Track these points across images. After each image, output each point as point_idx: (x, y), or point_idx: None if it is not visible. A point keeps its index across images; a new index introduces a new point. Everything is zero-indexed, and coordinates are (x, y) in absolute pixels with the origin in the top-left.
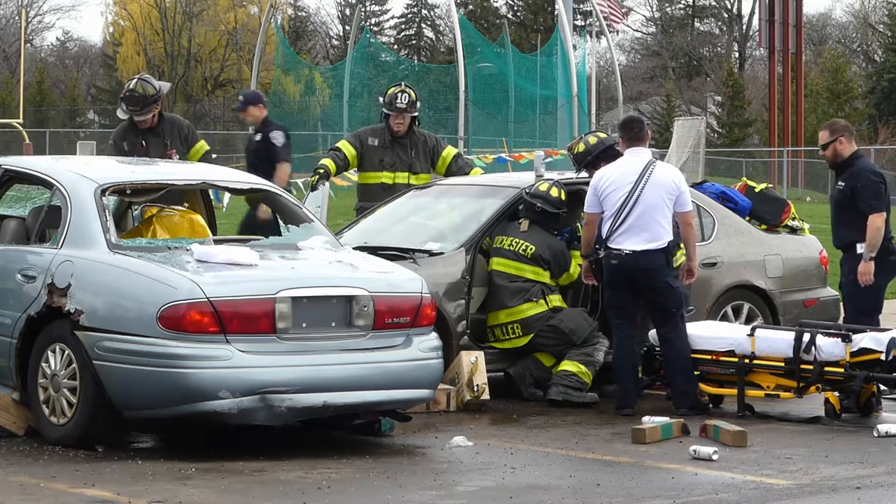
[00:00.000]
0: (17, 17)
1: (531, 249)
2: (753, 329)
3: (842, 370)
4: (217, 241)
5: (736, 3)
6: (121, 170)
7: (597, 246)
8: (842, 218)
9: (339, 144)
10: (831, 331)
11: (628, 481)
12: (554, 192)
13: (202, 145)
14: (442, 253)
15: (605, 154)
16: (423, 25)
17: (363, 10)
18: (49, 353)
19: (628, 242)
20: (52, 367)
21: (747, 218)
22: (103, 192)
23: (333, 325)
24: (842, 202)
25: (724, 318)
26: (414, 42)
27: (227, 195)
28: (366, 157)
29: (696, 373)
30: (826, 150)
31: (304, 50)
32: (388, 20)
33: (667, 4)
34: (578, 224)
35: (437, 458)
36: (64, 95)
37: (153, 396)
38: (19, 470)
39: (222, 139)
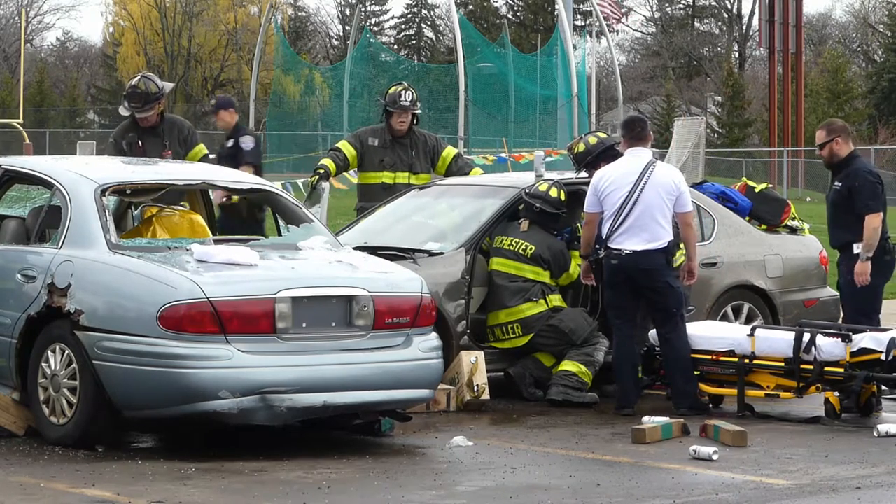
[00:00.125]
0: (17, 17)
1: (531, 249)
2: (753, 329)
3: (842, 370)
4: (217, 241)
5: (736, 3)
6: (121, 170)
7: (597, 246)
8: (838, 218)
9: (339, 144)
10: (831, 331)
11: (628, 481)
12: (553, 193)
13: (201, 148)
14: (442, 253)
15: (605, 154)
16: (423, 25)
17: (363, 10)
18: (49, 353)
19: (628, 242)
20: (52, 367)
21: (747, 218)
22: (103, 192)
23: (333, 325)
24: (838, 202)
25: (724, 318)
26: (414, 42)
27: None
28: (366, 157)
29: (696, 373)
30: (823, 149)
31: (304, 50)
32: (388, 20)
33: (667, 4)
34: (578, 224)
35: (437, 458)
36: (64, 95)
37: (153, 396)
38: (19, 470)
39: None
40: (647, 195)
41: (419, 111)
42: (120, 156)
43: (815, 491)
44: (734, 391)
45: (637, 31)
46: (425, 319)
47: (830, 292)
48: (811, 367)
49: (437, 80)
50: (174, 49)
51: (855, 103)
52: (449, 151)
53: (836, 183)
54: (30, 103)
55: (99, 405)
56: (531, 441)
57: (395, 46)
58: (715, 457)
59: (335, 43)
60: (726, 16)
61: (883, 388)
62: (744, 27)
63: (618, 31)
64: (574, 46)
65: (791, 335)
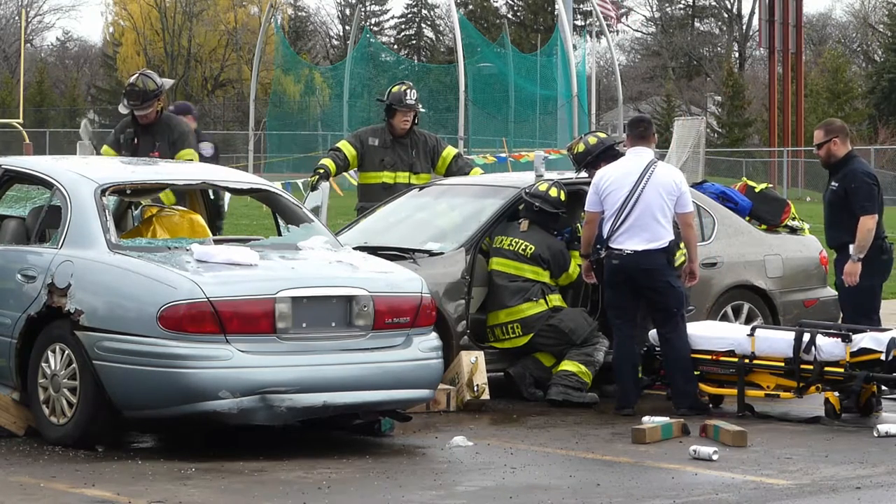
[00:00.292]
0: (17, 17)
1: (531, 249)
2: (753, 329)
3: (842, 370)
4: (217, 241)
5: (736, 3)
6: (121, 170)
7: (597, 246)
8: (835, 218)
9: (339, 144)
10: (831, 331)
11: (628, 481)
12: (553, 192)
13: (187, 153)
14: (442, 253)
15: (605, 154)
16: (423, 25)
17: (363, 10)
18: (49, 353)
19: (629, 242)
20: (52, 367)
21: (747, 218)
22: (103, 192)
23: (333, 325)
24: (835, 203)
25: (724, 318)
26: (414, 42)
27: (227, 195)
28: (366, 157)
29: (696, 373)
30: (820, 149)
31: (304, 50)
32: (388, 20)
33: (667, 4)
34: (578, 224)
35: (437, 458)
36: (64, 95)
37: (153, 396)
38: (19, 470)
39: (222, 139)
40: (648, 195)
41: (423, 110)
42: (117, 149)
43: (815, 491)
44: (734, 391)
45: (637, 31)
46: (425, 319)
47: (830, 292)
48: (811, 367)
49: (437, 80)
50: (174, 49)
51: (855, 103)
52: (449, 151)
53: (833, 183)
54: (30, 103)
55: (99, 405)
56: (531, 441)
57: (395, 46)
58: (715, 457)
59: (335, 43)
60: (726, 16)
61: (883, 388)
62: (744, 27)
63: (618, 31)
64: (574, 46)
65: (791, 335)
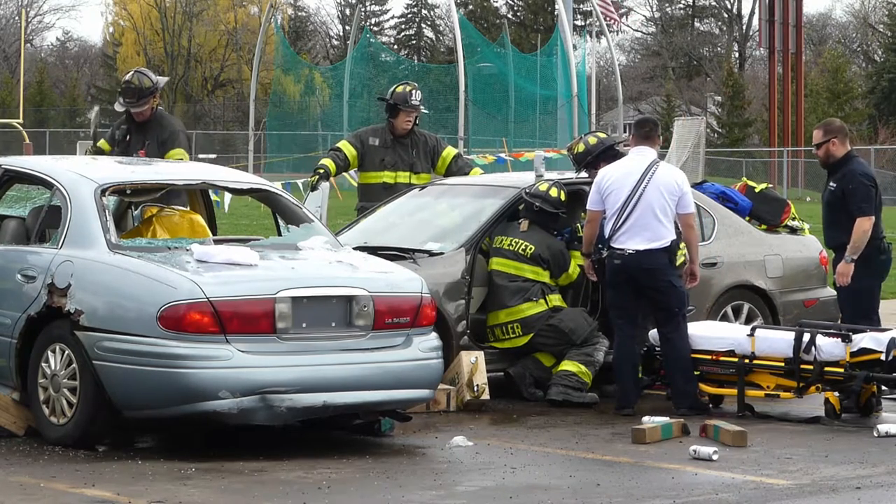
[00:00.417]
0: (17, 17)
1: (531, 249)
2: (753, 329)
3: (842, 370)
4: (217, 241)
5: (736, 3)
6: (121, 170)
7: (599, 245)
8: (833, 219)
9: (339, 144)
10: (831, 331)
11: (628, 481)
12: (553, 193)
13: (177, 153)
14: (442, 253)
15: (605, 154)
16: (423, 25)
17: (363, 10)
18: (49, 353)
19: (631, 242)
20: (52, 367)
21: (747, 218)
22: (103, 192)
23: (333, 325)
24: (833, 203)
25: (724, 318)
26: (414, 42)
27: (227, 195)
28: (367, 156)
29: (696, 373)
30: (819, 149)
31: (304, 50)
32: (388, 20)
33: (667, 4)
34: (578, 224)
35: (437, 458)
36: (64, 95)
37: (153, 396)
38: (19, 470)
39: (222, 139)
40: (650, 194)
41: (426, 112)
42: (112, 144)
43: (815, 491)
44: (734, 391)
45: (637, 31)
46: (425, 319)
47: (830, 292)
48: (811, 367)
49: (437, 80)
50: (174, 49)
51: (855, 103)
52: (449, 151)
53: (831, 184)
54: (30, 103)
55: (99, 405)
56: (531, 441)
57: (395, 46)
58: (715, 457)
59: (335, 43)
60: (726, 16)
61: (883, 388)
62: (744, 27)
63: (618, 32)
64: (574, 46)
65: (791, 335)
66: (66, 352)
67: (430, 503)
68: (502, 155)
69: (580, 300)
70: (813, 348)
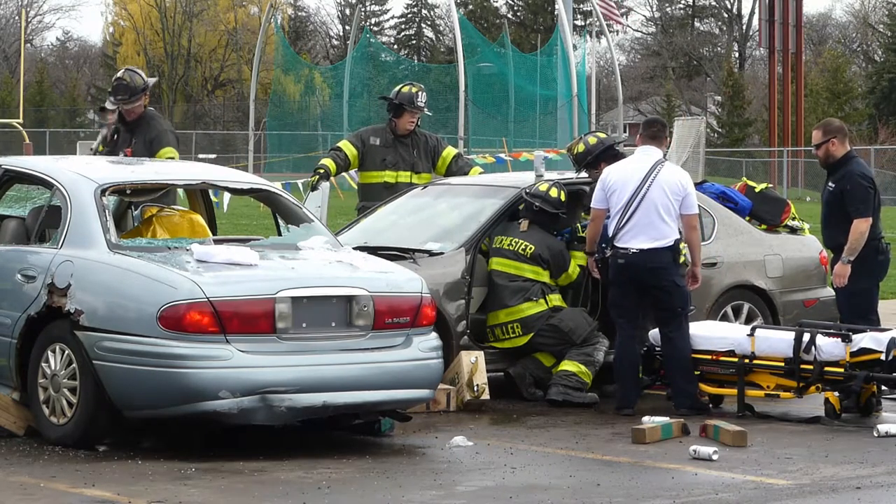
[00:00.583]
0: (17, 17)
1: (531, 249)
2: (753, 329)
3: (842, 370)
4: (217, 241)
5: (736, 3)
6: (121, 170)
7: (603, 245)
8: (832, 219)
9: (339, 144)
10: (831, 331)
11: (628, 481)
12: (553, 193)
13: (166, 151)
14: (442, 253)
15: (605, 154)
16: (423, 25)
17: (363, 10)
18: (49, 353)
19: (634, 241)
20: (52, 367)
21: (747, 218)
22: (103, 192)
23: (333, 325)
24: (832, 203)
25: (724, 318)
26: (414, 42)
27: (226, 195)
28: (368, 156)
29: (696, 373)
30: (819, 150)
31: (304, 50)
32: (388, 20)
33: (667, 4)
34: (578, 224)
35: (437, 458)
36: (64, 95)
37: (153, 396)
38: (19, 470)
39: (222, 139)
40: (653, 194)
41: (429, 113)
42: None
43: (815, 491)
44: (734, 391)
45: (637, 31)
46: (425, 319)
47: (830, 292)
48: (811, 367)
49: (437, 80)
50: (174, 49)
51: (855, 103)
52: (449, 151)
53: (830, 184)
54: (30, 103)
55: (99, 405)
56: (531, 441)
57: (395, 46)
58: (715, 457)
59: (335, 43)
60: (726, 16)
61: (883, 388)
62: (744, 27)
63: (618, 32)
64: (574, 46)
65: (791, 335)
66: (66, 352)
67: (430, 503)
68: (502, 155)
69: (580, 300)
70: (813, 348)
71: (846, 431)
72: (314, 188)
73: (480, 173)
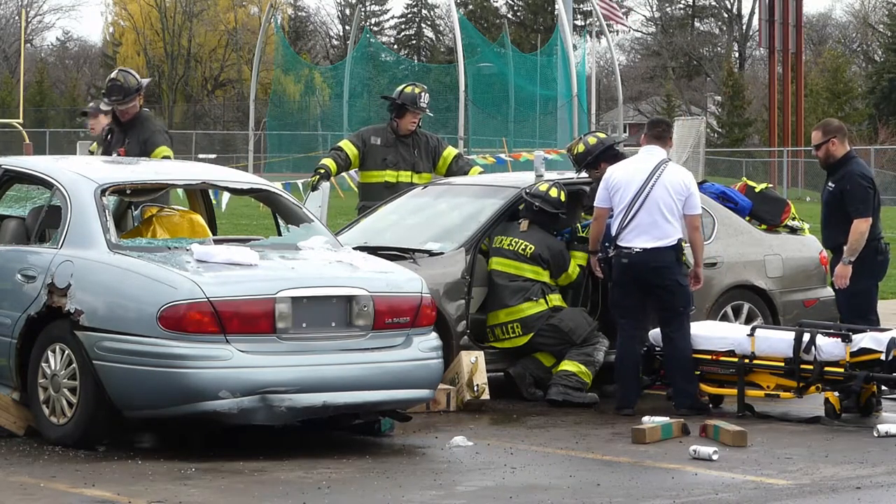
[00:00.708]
0: (17, 17)
1: (530, 249)
2: (753, 329)
3: (842, 370)
4: (217, 241)
5: (736, 3)
6: (121, 170)
7: (606, 244)
8: (831, 219)
9: (340, 144)
10: (831, 331)
11: (628, 481)
12: (553, 193)
13: (161, 150)
14: (442, 253)
15: (605, 154)
16: (423, 25)
17: (363, 10)
18: (49, 353)
19: (638, 241)
20: (52, 367)
21: (747, 218)
22: (103, 192)
23: (333, 325)
24: (831, 203)
25: (724, 318)
26: (414, 42)
27: (225, 194)
28: (369, 155)
29: (696, 373)
30: (819, 150)
31: (304, 50)
32: (388, 20)
33: (667, 4)
34: (578, 224)
35: (437, 458)
36: (64, 95)
37: (153, 396)
38: (19, 470)
39: (222, 139)
40: (657, 193)
41: (431, 115)
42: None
43: (815, 491)
44: (734, 391)
45: (637, 31)
46: (425, 319)
47: (830, 292)
48: (811, 367)
49: (437, 80)
50: (174, 49)
51: (855, 103)
52: (450, 152)
53: (830, 184)
54: (30, 103)
55: (99, 405)
56: (531, 441)
57: (395, 46)
58: (715, 457)
59: (335, 43)
60: (726, 16)
61: (883, 388)
62: (744, 27)
63: (618, 31)
64: (574, 46)
65: (791, 335)
66: (66, 352)
67: (430, 503)
68: (502, 155)
69: (580, 300)
70: (813, 348)
71: (846, 431)
72: (314, 188)
73: (480, 173)
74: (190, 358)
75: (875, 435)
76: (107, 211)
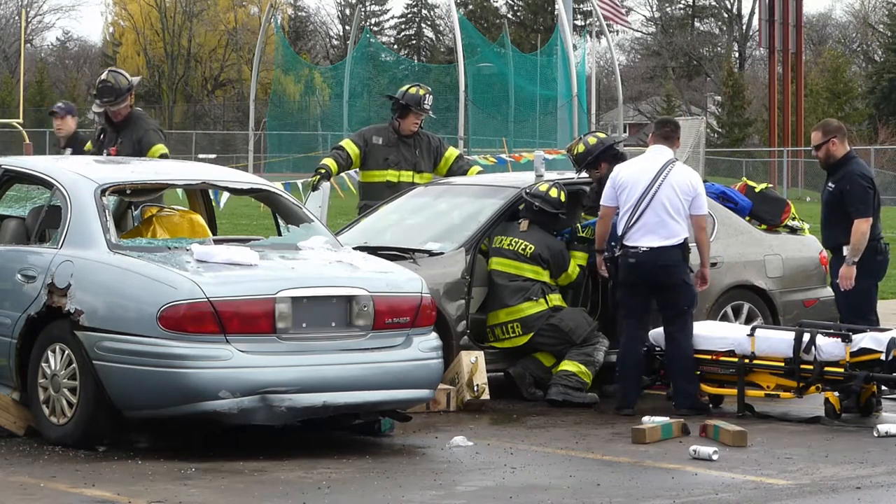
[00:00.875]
0: (17, 17)
1: (530, 249)
2: (753, 329)
3: (842, 370)
4: (217, 241)
5: (736, 3)
6: (121, 170)
7: (612, 244)
8: (831, 219)
9: (342, 143)
10: (831, 331)
11: (628, 481)
12: (553, 193)
13: (158, 149)
14: (442, 253)
15: (605, 154)
16: (423, 25)
17: (363, 10)
18: (49, 353)
19: (644, 240)
20: (52, 367)
21: (747, 218)
22: (103, 192)
23: (333, 325)
24: (831, 203)
25: (724, 318)
26: (414, 42)
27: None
28: (370, 155)
29: (696, 373)
30: (819, 150)
31: (304, 50)
32: (388, 20)
33: (667, 4)
34: (578, 224)
35: (437, 458)
36: (64, 95)
37: (153, 396)
38: (19, 470)
39: (222, 139)
40: (664, 193)
41: (433, 116)
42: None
43: (815, 491)
44: (734, 391)
45: (637, 31)
46: (425, 319)
47: (830, 292)
48: (811, 367)
49: (437, 80)
50: (174, 49)
51: (855, 103)
52: (451, 153)
53: (830, 184)
54: (30, 103)
55: (99, 405)
56: (531, 441)
57: (395, 46)
58: (715, 457)
59: (335, 43)
60: (726, 16)
61: (883, 388)
62: (744, 27)
63: (618, 31)
64: (574, 46)
65: (791, 335)
66: (66, 352)
67: (430, 503)
68: (503, 155)
69: (580, 300)
70: (813, 348)
71: (846, 431)
72: (315, 188)
73: (479, 172)
74: (190, 358)
75: (875, 435)
76: (107, 211)
